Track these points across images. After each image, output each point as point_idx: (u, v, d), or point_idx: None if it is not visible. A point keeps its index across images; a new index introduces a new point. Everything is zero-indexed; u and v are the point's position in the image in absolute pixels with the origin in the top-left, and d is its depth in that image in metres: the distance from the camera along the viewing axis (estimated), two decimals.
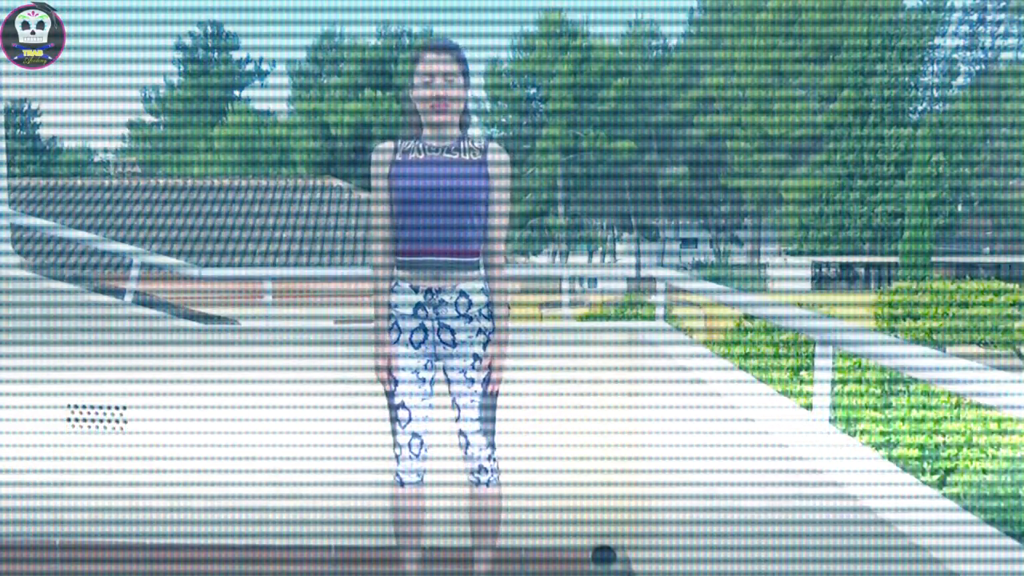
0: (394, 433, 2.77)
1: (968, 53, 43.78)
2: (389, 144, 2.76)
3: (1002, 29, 43.34)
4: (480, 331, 2.71)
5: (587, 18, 63.58)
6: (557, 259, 46.38)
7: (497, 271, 2.74)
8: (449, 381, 2.76)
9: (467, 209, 2.65)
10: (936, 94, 43.32)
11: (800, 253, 42.89)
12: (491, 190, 2.70)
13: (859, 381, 9.71)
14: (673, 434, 2.64)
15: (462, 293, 2.68)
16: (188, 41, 51.36)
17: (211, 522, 3.30)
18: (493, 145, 2.73)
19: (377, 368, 2.74)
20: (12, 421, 3.33)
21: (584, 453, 3.26)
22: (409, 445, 2.75)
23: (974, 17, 43.41)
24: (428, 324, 2.70)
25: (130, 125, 52.21)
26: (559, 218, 46.26)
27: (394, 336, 2.72)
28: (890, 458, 8.44)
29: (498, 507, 2.83)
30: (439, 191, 2.65)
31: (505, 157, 2.72)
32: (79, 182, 17.51)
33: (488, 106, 48.06)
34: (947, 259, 37.01)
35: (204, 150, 46.72)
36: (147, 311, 3.34)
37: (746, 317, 11.71)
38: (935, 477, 8.35)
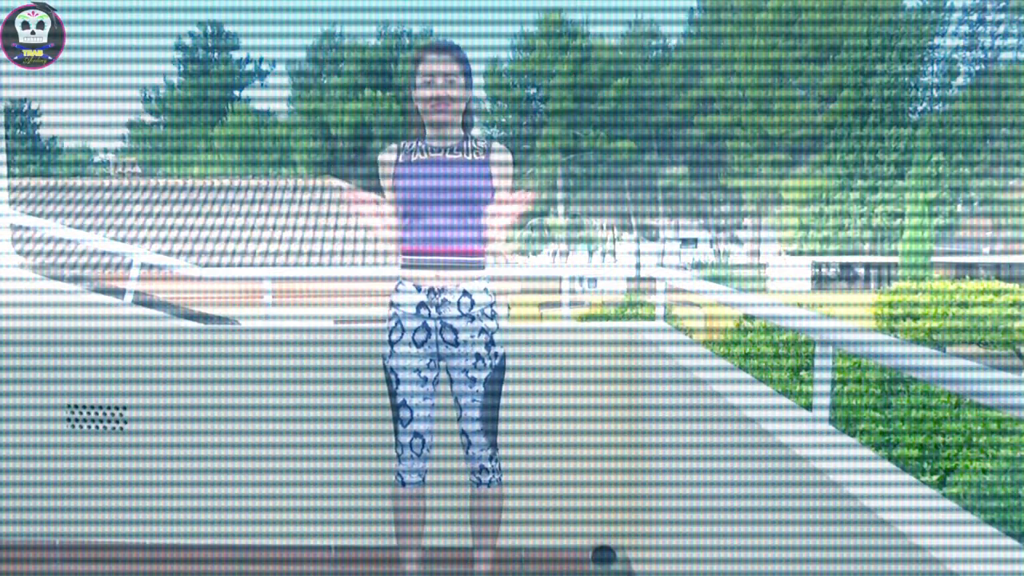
0: (396, 433, 2.77)
1: (968, 53, 43.77)
2: (392, 146, 2.78)
3: (1002, 29, 43.33)
4: (483, 331, 2.71)
5: (587, 18, 63.52)
6: (557, 259, 46.38)
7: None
8: (452, 381, 2.76)
9: (470, 209, 2.67)
10: (936, 94, 43.30)
11: (800, 253, 42.87)
12: (495, 190, 2.72)
13: (859, 381, 9.71)
14: (673, 434, 2.64)
15: (465, 293, 2.69)
16: (188, 41, 51.36)
17: (211, 522, 3.30)
18: (496, 145, 2.74)
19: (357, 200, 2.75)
20: (12, 421, 3.33)
21: (584, 453, 3.26)
22: (411, 445, 2.75)
23: (974, 17, 43.39)
24: (431, 324, 2.71)
25: (130, 125, 52.21)
26: (559, 218, 46.26)
27: (397, 336, 2.72)
28: (890, 458, 8.44)
29: (499, 507, 2.83)
30: (442, 191, 2.66)
31: (508, 157, 2.73)
32: (79, 182, 17.51)
33: (488, 106, 48.06)
34: (947, 259, 36.99)
35: (204, 150, 46.71)
36: (147, 311, 3.34)
37: (746, 317, 11.72)
38: (935, 477, 8.35)
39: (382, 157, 2.77)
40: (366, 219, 2.74)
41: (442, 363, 2.78)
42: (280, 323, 3.35)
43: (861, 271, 43.25)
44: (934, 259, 34.80)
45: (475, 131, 2.85)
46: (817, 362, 1.81)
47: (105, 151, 54.97)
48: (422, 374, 2.74)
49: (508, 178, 2.72)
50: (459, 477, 2.90)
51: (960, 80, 43.59)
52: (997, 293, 17.52)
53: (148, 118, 52.40)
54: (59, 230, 3.69)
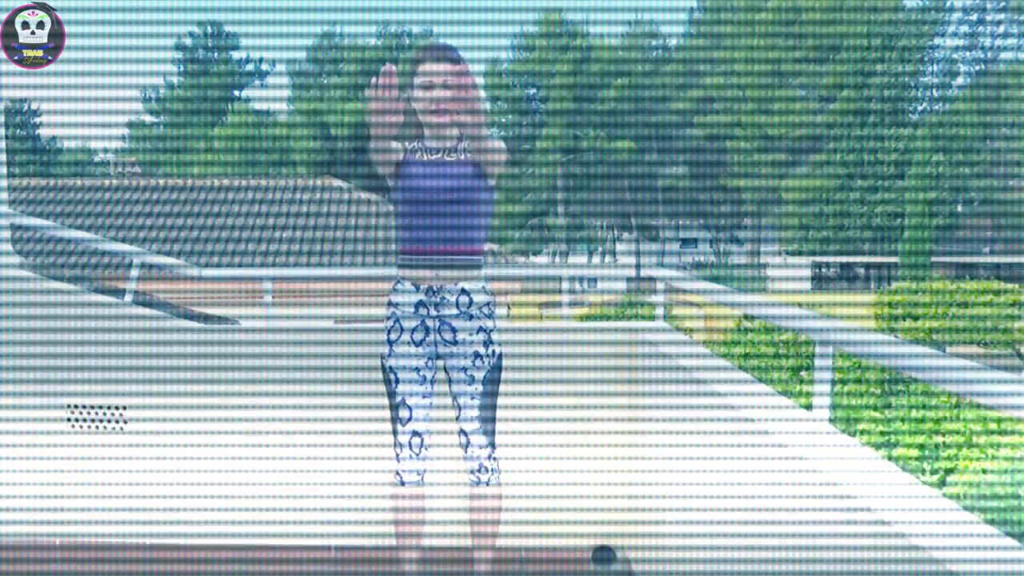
0: (395, 432, 2.77)
1: (968, 53, 43.78)
2: (398, 144, 2.78)
3: (1002, 29, 43.35)
4: (481, 330, 2.71)
5: (587, 18, 63.45)
6: (557, 259, 46.38)
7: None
8: (450, 380, 2.76)
9: (468, 209, 2.68)
10: (936, 94, 43.31)
11: (800, 253, 42.87)
12: (494, 190, 2.74)
13: (859, 381, 9.71)
14: (673, 434, 2.64)
15: (464, 291, 2.69)
16: (188, 41, 51.35)
17: (211, 522, 3.30)
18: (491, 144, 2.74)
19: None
20: (12, 421, 3.33)
21: (584, 453, 3.26)
22: (410, 444, 2.75)
23: (974, 17, 43.41)
24: (429, 323, 2.71)
25: (130, 125, 52.21)
26: (559, 218, 46.26)
27: (395, 335, 2.73)
28: (890, 458, 8.44)
29: (498, 507, 2.83)
30: (440, 191, 2.66)
31: (501, 144, 2.72)
32: (79, 182, 17.50)
33: (488, 106, 48.05)
34: (947, 259, 37.00)
35: (204, 150, 46.71)
36: (147, 311, 3.34)
37: (746, 317, 11.71)
38: (935, 477, 8.35)
39: (398, 145, 2.75)
40: (379, 104, 2.46)
41: (440, 362, 2.78)
42: (280, 323, 3.35)
43: (861, 271, 43.25)
44: (934, 259, 34.81)
45: None
46: (817, 362, 1.81)
47: (105, 151, 54.97)
48: (421, 373, 2.74)
49: (503, 152, 2.69)
50: (458, 476, 2.90)
51: (960, 80, 43.62)
52: (997, 293, 17.52)
53: (148, 118, 52.42)
54: (59, 230, 3.69)
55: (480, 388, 2.72)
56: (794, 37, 41.93)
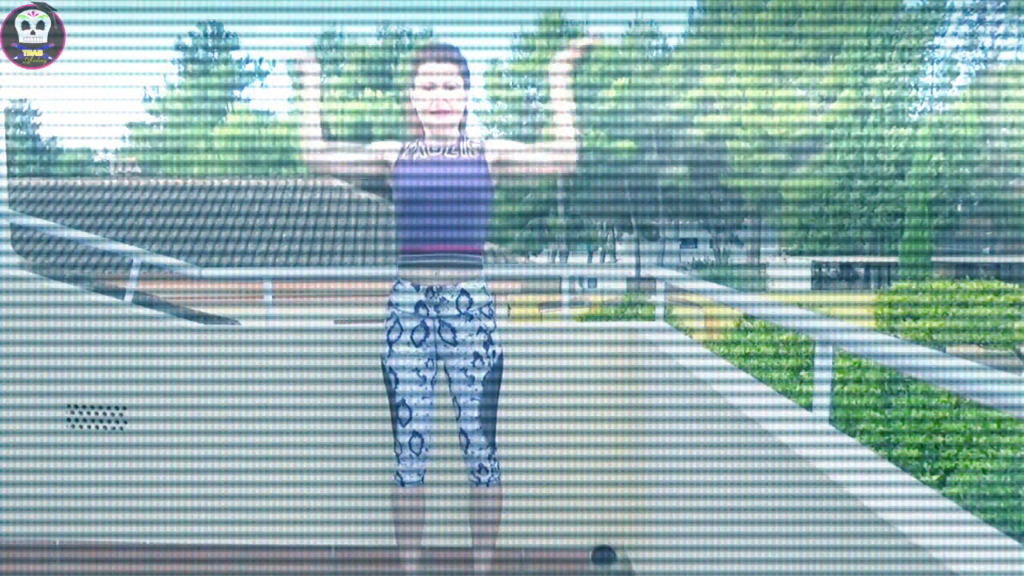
0: (395, 433, 2.77)
1: (968, 53, 43.76)
2: (396, 144, 2.79)
3: (1002, 29, 43.33)
4: (481, 330, 2.71)
5: (587, 18, 63.39)
6: (557, 259, 46.38)
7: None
8: (450, 380, 2.76)
9: (469, 208, 2.68)
10: (936, 94, 43.30)
11: (800, 253, 42.86)
12: (493, 189, 2.75)
13: (859, 381, 9.72)
14: (673, 434, 2.64)
15: (464, 292, 2.69)
16: (188, 41, 51.38)
17: (211, 522, 3.30)
18: (489, 144, 2.76)
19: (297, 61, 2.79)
20: (12, 421, 3.33)
21: (584, 453, 3.26)
22: (410, 444, 2.75)
23: (974, 17, 43.39)
24: (429, 323, 2.71)
25: (130, 125, 52.20)
26: (559, 218, 46.25)
27: (395, 335, 2.73)
28: (890, 458, 8.44)
29: (498, 507, 2.84)
30: (441, 191, 2.67)
31: (503, 143, 2.76)
32: (79, 182, 17.50)
33: (488, 106, 48.06)
34: (947, 259, 36.99)
35: (204, 150, 46.70)
36: (147, 311, 3.34)
37: (746, 317, 11.72)
38: (935, 477, 8.36)
39: (386, 145, 2.78)
40: (306, 90, 2.76)
41: (440, 362, 2.78)
42: (280, 323, 3.35)
43: (861, 271, 43.25)
44: (934, 259, 34.82)
45: (471, 131, 2.86)
46: (817, 362, 1.81)
47: (105, 151, 54.92)
48: (420, 374, 2.74)
49: (515, 140, 2.75)
50: (458, 477, 2.90)
51: (960, 80, 43.60)
52: (997, 293, 17.54)
53: (148, 118, 52.41)
54: (59, 230, 3.69)
55: (480, 388, 2.73)
56: (794, 37, 41.93)
